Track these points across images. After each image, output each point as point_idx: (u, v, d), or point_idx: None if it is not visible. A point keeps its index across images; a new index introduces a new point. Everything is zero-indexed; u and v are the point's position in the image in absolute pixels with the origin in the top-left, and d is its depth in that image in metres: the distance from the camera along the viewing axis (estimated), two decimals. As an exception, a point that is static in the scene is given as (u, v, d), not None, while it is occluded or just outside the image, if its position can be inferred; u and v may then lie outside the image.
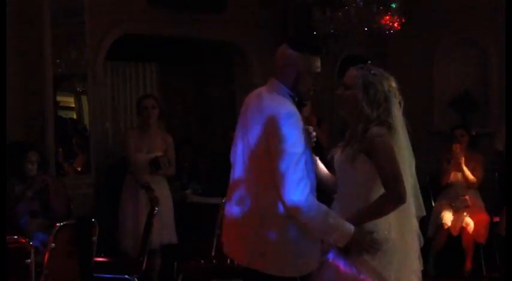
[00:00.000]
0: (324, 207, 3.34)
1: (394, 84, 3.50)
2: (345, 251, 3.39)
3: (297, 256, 3.40)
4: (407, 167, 3.48)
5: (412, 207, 3.55)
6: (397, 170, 3.34)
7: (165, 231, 6.41)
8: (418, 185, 3.66)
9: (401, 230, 3.50)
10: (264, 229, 3.36)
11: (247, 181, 3.44)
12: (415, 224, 3.59)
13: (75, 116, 7.53)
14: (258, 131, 3.41)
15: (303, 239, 3.38)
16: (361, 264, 3.41)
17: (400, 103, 3.53)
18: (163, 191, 6.48)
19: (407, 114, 9.00)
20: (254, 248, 3.40)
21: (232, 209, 3.50)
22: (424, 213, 3.67)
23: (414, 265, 3.60)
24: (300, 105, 3.51)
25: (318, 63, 3.54)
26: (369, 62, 3.64)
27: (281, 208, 3.33)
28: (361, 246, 3.36)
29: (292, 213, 3.30)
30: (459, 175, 7.55)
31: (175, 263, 6.57)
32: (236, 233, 3.50)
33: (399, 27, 7.58)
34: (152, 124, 6.56)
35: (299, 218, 3.30)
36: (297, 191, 3.26)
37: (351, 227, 3.33)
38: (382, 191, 3.41)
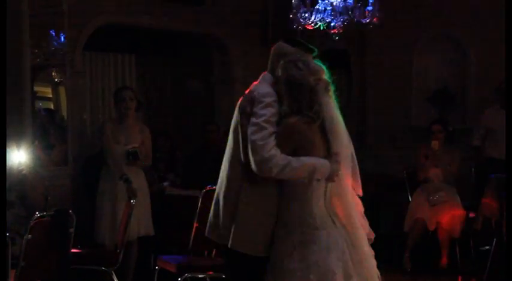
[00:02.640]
0: (291, 157, 3.52)
1: (323, 76, 3.66)
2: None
3: (246, 233, 3.62)
4: (342, 150, 3.66)
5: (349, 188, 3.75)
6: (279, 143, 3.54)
7: (142, 223, 6.40)
8: (357, 170, 3.82)
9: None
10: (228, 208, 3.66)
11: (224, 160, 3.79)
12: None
13: (52, 107, 7.48)
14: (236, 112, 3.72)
15: (252, 220, 3.62)
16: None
17: (333, 94, 3.70)
18: (140, 182, 6.46)
19: (385, 109, 9.06)
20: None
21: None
22: (361, 193, 3.83)
23: None
24: None
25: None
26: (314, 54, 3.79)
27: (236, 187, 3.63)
28: (335, 172, 3.59)
29: (267, 173, 3.49)
30: (437, 170, 7.60)
31: (152, 256, 6.55)
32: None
33: (376, 20, 7.60)
34: (130, 115, 6.54)
35: (275, 172, 3.47)
36: (263, 150, 3.48)
37: (324, 160, 3.56)
38: None
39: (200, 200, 5.82)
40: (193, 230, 5.85)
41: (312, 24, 7.76)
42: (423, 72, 8.91)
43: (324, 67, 3.69)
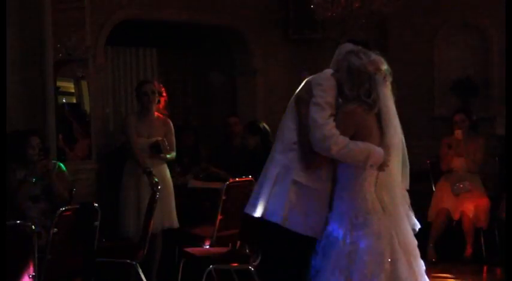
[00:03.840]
0: (347, 138, 3.67)
1: (383, 66, 3.83)
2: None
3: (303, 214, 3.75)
4: (394, 143, 3.78)
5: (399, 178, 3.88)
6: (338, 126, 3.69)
7: (165, 216, 6.42)
8: (407, 160, 3.97)
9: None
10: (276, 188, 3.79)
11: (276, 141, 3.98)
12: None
13: (75, 101, 7.51)
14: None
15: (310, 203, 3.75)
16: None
17: (391, 84, 3.87)
18: (164, 175, 6.49)
19: (407, 99, 9.00)
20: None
21: None
22: (408, 187, 3.97)
23: None
24: None
25: None
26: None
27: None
28: (387, 162, 3.72)
29: (326, 150, 3.64)
30: (460, 159, 7.56)
31: (177, 248, 6.58)
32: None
33: (399, 8, 7.56)
34: (152, 109, 6.57)
35: (334, 150, 3.62)
36: (324, 128, 3.63)
37: (379, 148, 3.70)
38: None
39: (223, 192, 5.84)
40: (217, 222, 5.87)
41: (332, 15, 7.76)
42: (446, 61, 8.84)
43: (383, 59, 3.85)
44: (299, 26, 8.92)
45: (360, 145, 3.66)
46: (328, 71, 3.92)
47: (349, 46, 3.95)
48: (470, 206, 7.36)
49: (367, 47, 3.94)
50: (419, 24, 8.71)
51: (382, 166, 3.71)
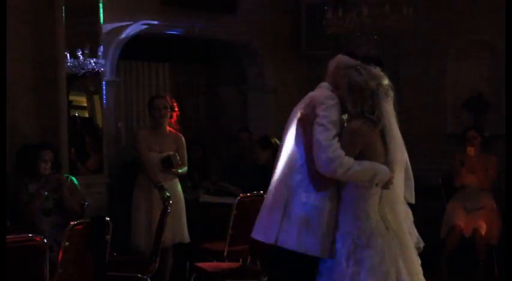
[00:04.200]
0: (352, 159, 3.59)
1: (384, 81, 3.75)
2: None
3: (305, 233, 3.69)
4: (397, 159, 3.72)
5: (401, 195, 3.82)
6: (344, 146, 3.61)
7: (177, 230, 6.41)
8: (411, 173, 3.94)
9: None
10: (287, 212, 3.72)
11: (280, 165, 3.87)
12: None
13: (87, 116, 7.54)
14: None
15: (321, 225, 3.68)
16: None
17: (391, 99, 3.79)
18: (175, 190, 6.49)
19: (419, 116, 8.96)
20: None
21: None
22: (413, 201, 3.93)
23: None
24: None
25: None
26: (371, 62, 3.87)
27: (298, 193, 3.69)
28: (391, 180, 3.64)
29: (331, 173, 3.56)
30: (472, 176, 7.54)
31: (188, 263, 6.57)
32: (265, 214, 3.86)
33: (410, 27, 7.57)
34: (164, 124, 6.58)
35: (339, 172, 3.55)
36: (329, 149, 3.56)
37: (384, 166, 3.62)
38: None
39: (235, 207, 5.83)
40: (228, 237, 5.86)
41: (345, 31, 7.78)
42: (457, 78, 8.82)
43: (383, 74, 3.77)
44: (311, 43, 8.94)
45: (366, 165, 3.58)
46: (324, 85, 3.85)
47: (343, 59, 3.85)
48: (483, 223, 7.33)
49: (362, 58, 3.87)
50: (431, 40, 8.71)
51: (387, 184, 3.63)
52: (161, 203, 6.14)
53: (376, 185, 3.60)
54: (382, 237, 3.63)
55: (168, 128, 6.67)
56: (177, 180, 6.59)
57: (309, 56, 9.01)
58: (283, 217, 3.72)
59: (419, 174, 8.18)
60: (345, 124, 3.69)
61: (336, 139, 3.60)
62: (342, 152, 3.56)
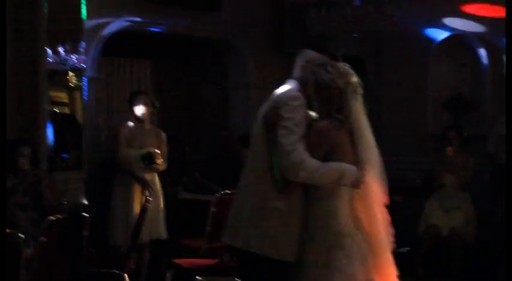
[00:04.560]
0: (321, 162, 3.51)
1: (353, 79, 3.66)
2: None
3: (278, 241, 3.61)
4: (368, 158, 3.66)
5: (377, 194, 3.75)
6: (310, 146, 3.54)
7: (155, 226, 6.42)
8: (383, 174, 3.81)
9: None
10: (255, 217, 3.64)
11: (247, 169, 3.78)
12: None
13: (67, 112, 7.52)
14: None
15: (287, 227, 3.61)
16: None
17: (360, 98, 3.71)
18: (154, 186, 6.49)
19: (400, 116, 8.99)
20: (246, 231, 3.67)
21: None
22: (387, 201, 3.82)
23: None
24: None
25: None
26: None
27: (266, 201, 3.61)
28: (362, 178, 3.59)
29: (295, 177, 3.49)
30: (451, 176, 7.59)
31: (165, 259, 6.58)
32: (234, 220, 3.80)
33: (393, 27, 7.61)
34: (145, 120, 6.59)
35: (303, 176, 3.48)
36: (292, 154, 3.47)
37: (352, 166, 3.56)
38: None
39: (214, 204, 5.84)
40: (206, 234, 5.88)
41: (327, 30, 7.81)
42: (438, 79, 8.88)
43: (352, 71, 3.69)
44: (293, 41, 8.95)
45: (331, 166, 3.50)
46: (292, 82, 3.75)
47: (312, 55, 3.77)
48: (460, 222, 7.38)
49: (330, 54, 3.77)
50: (412, 40, 8.76)
51: (356, 183, 3.57)
52: (140, 200, 6.14)
53: (344, 185, 3.54)
54: (351, 238, 3.58)
55: (148, 124, 6.66)
56: (156, 176, 6.60)
57: (291, 54, 9.00)
58: (249, 220, 3.65)
59: (399, 173, 8.35)
60: (312, 122, 3.62)
61: (301, 142, 3.51)
62: (306, 156, 3.48)
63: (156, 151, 6.51)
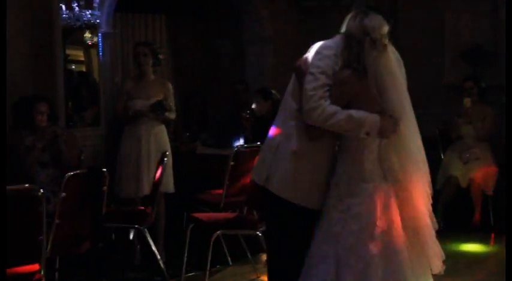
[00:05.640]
0: (341, 109, 3.52)
1: (376, 31, 3.60)
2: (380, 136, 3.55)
3: (300, 186, 3.66)
4: (398, 108, 3.61)
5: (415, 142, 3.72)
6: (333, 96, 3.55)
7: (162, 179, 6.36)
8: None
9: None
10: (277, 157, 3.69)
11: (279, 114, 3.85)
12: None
13: (84, 69, 7.52)
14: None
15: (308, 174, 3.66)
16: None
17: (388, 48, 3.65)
18: (163, 139, 6.44)
19: (418, 67, 8.91)
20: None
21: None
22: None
23: None
24: None
25: None
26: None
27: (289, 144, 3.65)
28: (390, 129, 3.54)
29: (313, 121, 3.52)
30: (469, 127, 7.55)
31: (185, 214, 6.61)
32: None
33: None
34: (147, 71, 6.48)
35: (320, 121, 3.50)
36: (311, 99, 3.51)
37: (375, 115, 3.52)
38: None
39: (231, 158, 5.85)
40: (225, 188, 5.89)
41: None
42: (456, 29, 8.77)
43: (383, 23, 3.64)
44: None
45: (352, 113, 3.48)
46: (337, 36, 3.74)
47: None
48: (479, 173, 7.36)
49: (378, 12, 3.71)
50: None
51: (383, 134, 3.53)
52: (148, 153, 6.16)
53: (367, 134, 3.52)
54: (374, 185, 3.57)
55: (152, 75, 6.52)
56: (163, 128, 6.52)
57: (307, 7, 8.94)
58: (273, 161, 3.71)
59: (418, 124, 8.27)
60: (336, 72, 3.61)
61: (324, 89, 3.53)
62: (326, 102, 3.49)
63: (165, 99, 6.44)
